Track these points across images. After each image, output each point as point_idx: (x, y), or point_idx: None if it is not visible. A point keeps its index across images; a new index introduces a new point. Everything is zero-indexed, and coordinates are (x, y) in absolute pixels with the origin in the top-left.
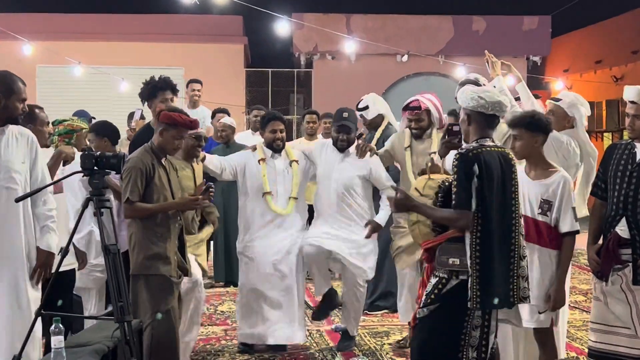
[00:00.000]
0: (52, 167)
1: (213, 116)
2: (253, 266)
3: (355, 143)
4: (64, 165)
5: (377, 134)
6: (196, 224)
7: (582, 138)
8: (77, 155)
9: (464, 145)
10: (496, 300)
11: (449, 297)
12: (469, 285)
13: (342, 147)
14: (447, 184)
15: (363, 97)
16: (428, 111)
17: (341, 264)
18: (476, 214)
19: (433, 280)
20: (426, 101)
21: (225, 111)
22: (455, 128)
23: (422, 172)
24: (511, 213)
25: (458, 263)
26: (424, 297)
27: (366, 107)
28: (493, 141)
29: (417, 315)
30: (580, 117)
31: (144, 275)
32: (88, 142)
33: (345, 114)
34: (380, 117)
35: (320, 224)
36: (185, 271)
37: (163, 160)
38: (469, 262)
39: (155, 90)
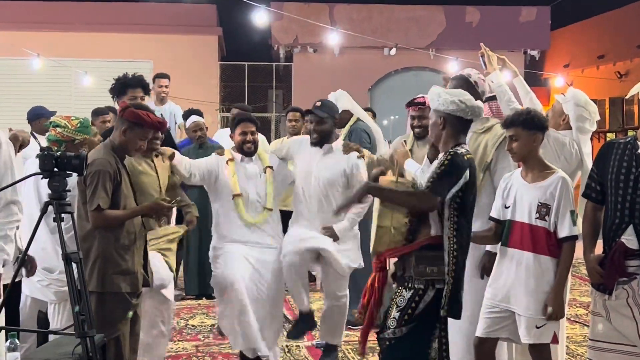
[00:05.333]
0: None
1: (185, 117)
2: (228, 262)
3: (342, 140)
4: (20, 149)
5: (344, 130)
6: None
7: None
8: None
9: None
10: (460, 309)
11: (426, 310)
12: (444, 293)
13: (315, 140)
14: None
15: (329, 96)
16: None
17: (323, 263)
18: (455, 221)
19: (407, 294)
20: None
21: (197, 112)
22: None
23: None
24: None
25: (436, 271)
26: (395, 313)
27: None
28: (466, 149)
29: (391, 335)
30: (574, 117)
31: (99, 292)
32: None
33: (318, 103)
34: (347, 114)
35: (299, 227)
36: (146, 283)
37: (125, 161)
38: (446, 269)
39: (124, 87)
